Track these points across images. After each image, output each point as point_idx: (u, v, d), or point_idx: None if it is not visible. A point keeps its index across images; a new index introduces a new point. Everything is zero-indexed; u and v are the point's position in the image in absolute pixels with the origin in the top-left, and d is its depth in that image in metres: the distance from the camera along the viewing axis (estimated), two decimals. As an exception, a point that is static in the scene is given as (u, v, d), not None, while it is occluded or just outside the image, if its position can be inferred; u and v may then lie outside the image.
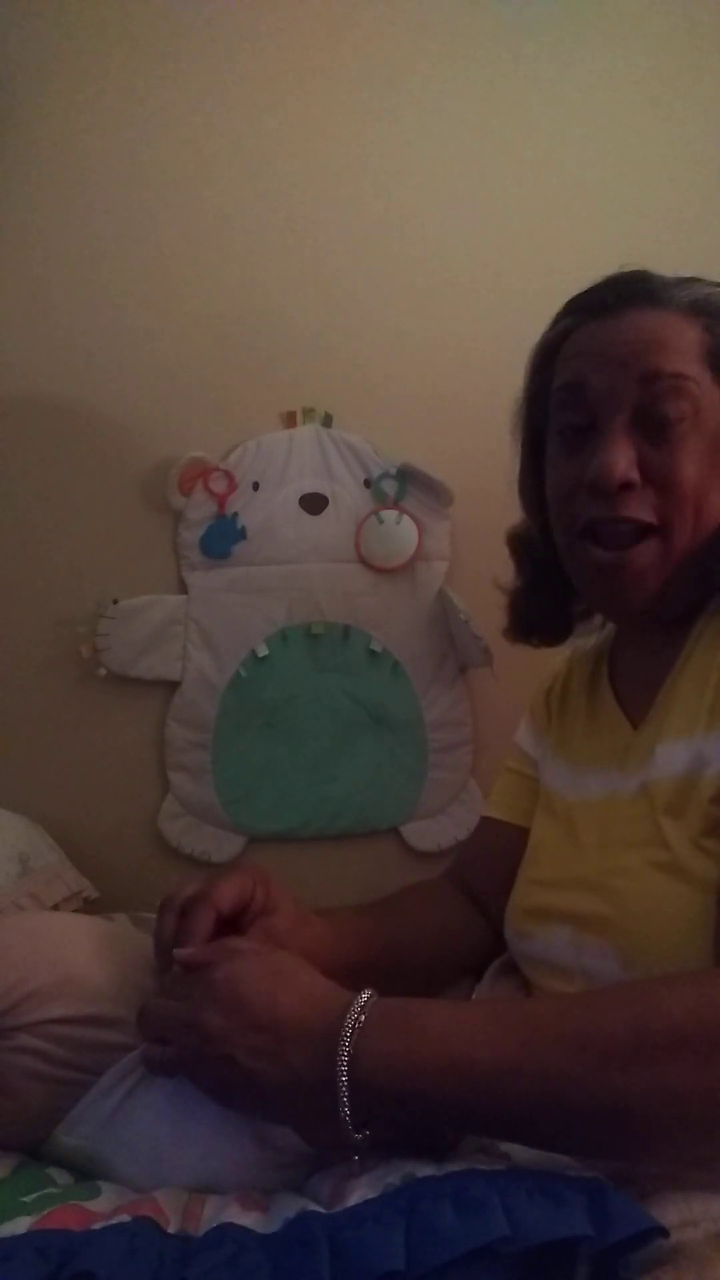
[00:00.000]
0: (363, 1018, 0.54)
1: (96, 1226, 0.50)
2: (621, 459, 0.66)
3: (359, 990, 0.56)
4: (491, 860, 0.86)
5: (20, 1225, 0.50)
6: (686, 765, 0.64)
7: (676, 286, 0.69)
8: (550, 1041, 0.51)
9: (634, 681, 0.76)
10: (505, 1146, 0.57)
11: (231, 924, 0.70)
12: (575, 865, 0.72)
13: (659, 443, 0.66)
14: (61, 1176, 0.61)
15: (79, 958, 0.66)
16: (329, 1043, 0.53)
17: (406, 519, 1.20)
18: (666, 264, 0.71)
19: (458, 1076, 0.51)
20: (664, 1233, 0.47)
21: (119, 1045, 0.63)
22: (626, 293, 0.70)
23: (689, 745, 0.64)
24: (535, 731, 0.89)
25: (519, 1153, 0.55)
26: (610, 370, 0.68)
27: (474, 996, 0.81)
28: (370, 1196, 0.50)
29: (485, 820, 0.92)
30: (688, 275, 0.71)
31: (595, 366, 0.69)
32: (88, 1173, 0.61)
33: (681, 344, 0.66)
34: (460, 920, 0.87)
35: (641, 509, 0.67)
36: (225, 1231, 0.50)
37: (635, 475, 0.66)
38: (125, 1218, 0.51)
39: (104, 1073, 0.63)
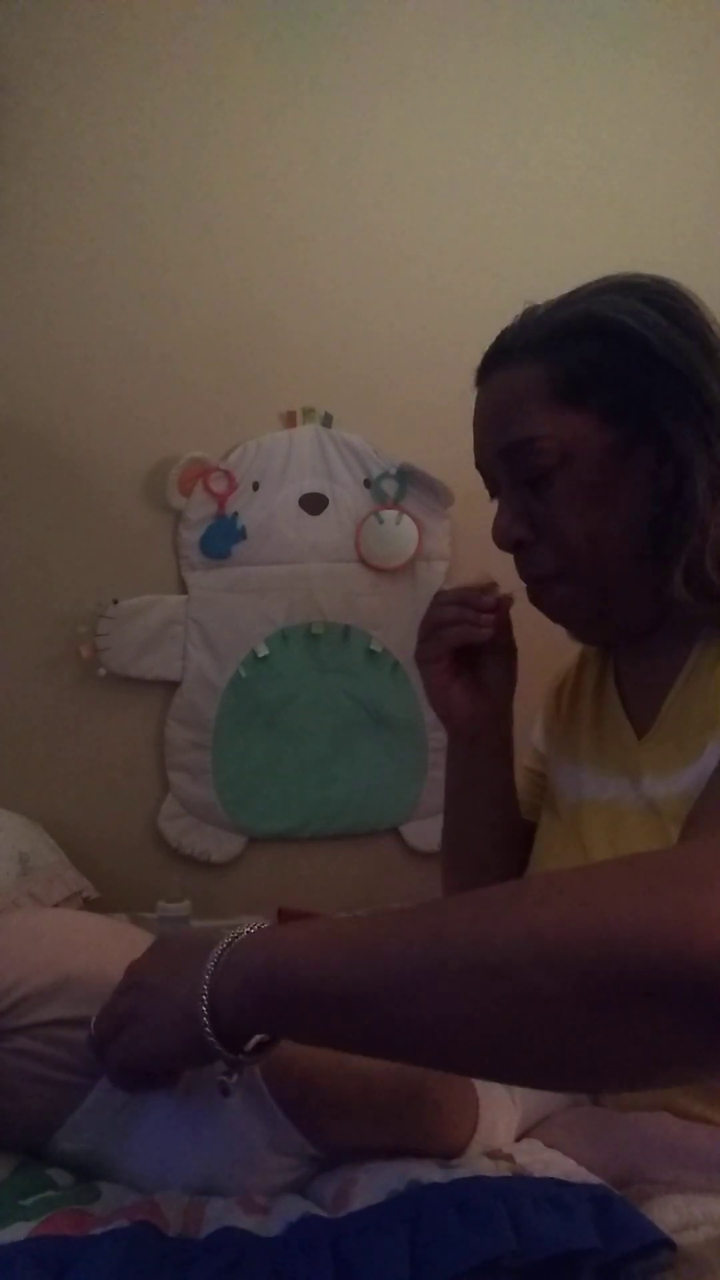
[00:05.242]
0: (247, 930, 0.51)
1: (95, 1233, 0.49)
2: (504, 522, 0.71)
3: None
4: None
5: (19, 1231, 0.50)
6: (693, 781, 0.63)
7: (535, 327, 0.69)
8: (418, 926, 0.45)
9: (638, 688, 0.76)
10: (509, 1149, 0.57)
11: None
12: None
13: (541, 496, 0.69)
14: (62, 1178, 0.60)
15: (79, 957, 0.66)
16: (212, 944, 0.51)
17: (406, 519, 1.20)
18: (665, 267, 0.71)
19: (326, 944, 0.47)
20: (670, 1245, 0.47)
21: None
22: (490, 357, 0.73)
23: (695, 767, 0.63)
24: (545, 727, 0.89)
25: (524, 1158, 0.55)
26: (482, 445, 0.73)
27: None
28: (374, 1202, 0.50)
29: None
30: (571, 291, 0.70)
31: (476, 443, 0.74)
32: (90, 1173, 0.61)
33: (528, 400, 0.68)
34: None
35: (539, 563, 0.71)
36: (227, 1235, 0.49)
37: (522, 532, 0.71)
38: (123, 1223, 0.50)
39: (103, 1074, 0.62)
